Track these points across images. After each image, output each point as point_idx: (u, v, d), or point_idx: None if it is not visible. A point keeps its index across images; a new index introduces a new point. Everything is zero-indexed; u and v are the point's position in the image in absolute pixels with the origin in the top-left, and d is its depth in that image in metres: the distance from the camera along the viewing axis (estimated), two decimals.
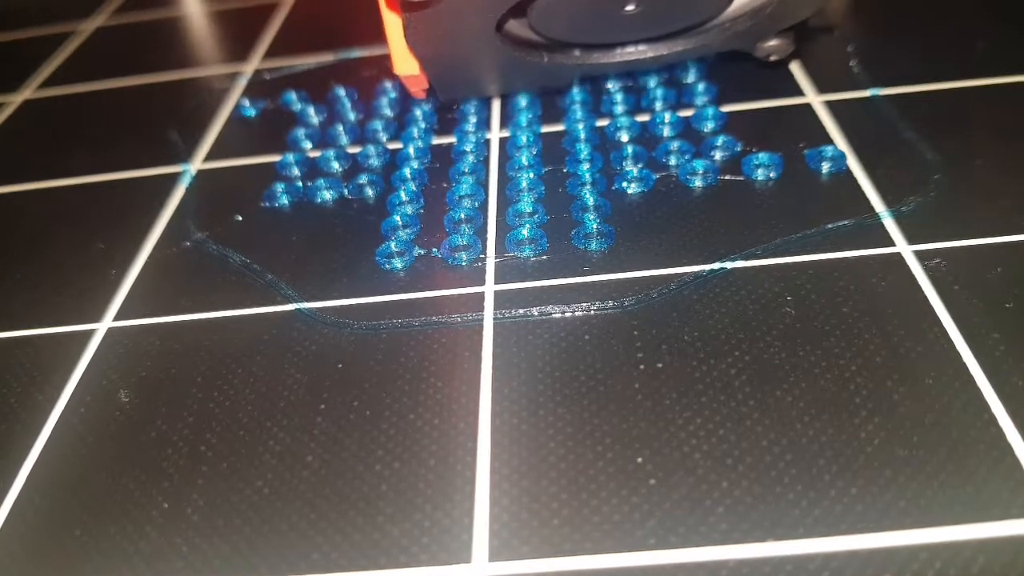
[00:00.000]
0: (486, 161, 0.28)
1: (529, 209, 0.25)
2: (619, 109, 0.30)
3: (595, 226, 0.24)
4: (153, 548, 0.18)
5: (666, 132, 0.28)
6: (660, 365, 0.20)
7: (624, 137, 0.28)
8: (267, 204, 0.28)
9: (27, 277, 0.26)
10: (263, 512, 0.18)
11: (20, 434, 0.21)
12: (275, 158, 0.30)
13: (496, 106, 0.31)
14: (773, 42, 0.28)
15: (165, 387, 0.22)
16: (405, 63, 0.28)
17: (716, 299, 0.22)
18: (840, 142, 0.27)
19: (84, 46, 0.42)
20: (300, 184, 0.28)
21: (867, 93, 0.29)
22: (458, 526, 0.17)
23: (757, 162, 0.26)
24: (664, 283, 0.22)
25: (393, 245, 0.25)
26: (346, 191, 0.28)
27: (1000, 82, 0.29)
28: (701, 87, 0.30)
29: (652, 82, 0.31)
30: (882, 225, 0.23)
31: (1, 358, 0.23)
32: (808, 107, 0.29)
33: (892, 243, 0.23)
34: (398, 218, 0.26)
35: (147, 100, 0.36)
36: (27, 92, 0.38)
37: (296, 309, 0.23)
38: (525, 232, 0.24)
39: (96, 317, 0.24)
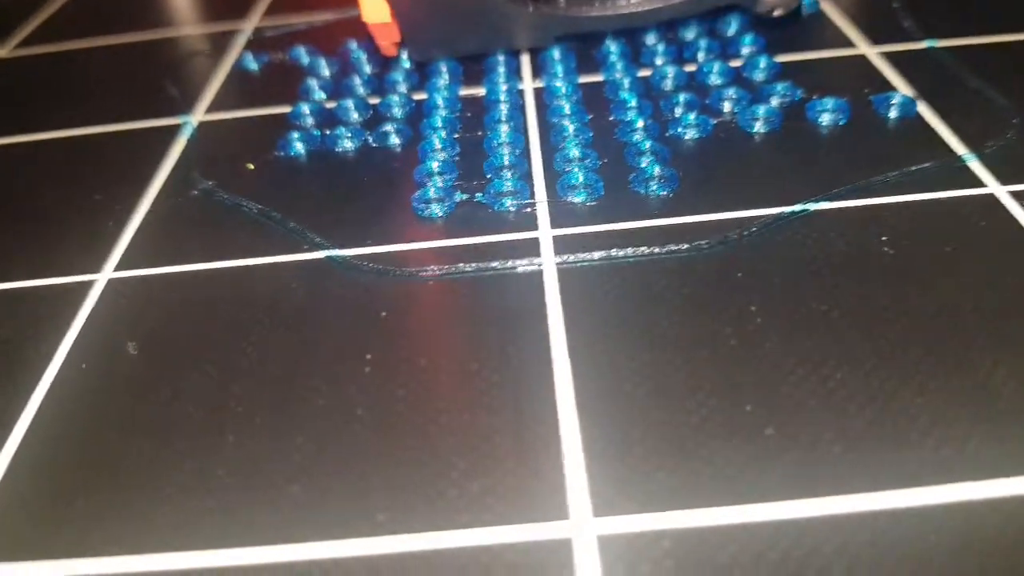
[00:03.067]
0: (522, 110, 0.26)
1: (579, 154, 0.23)
2: (660, 60, 0.27)
3: (657, 170, 0.22)
4: (178, 512, 0.15)
5: (714, 81, 0.26)
6: (753, 308, 0.18)
7: (670, 86, 0.26)
8: (282, 153, 0.25)
9: (16, 230, 0.23)
10: (310, 470, 0.16)
11: (12, 394, 0.18)
12: (284, 109, 0.27)
13: (525, 59, 0.29)
14: None
15: (180, 340, 0.19)
16: (374, 8, 0.26)
17: (803, 241, 0.20)
18: (905, 90, 0.25)
19: (68, 5, 0.39)
20: (318, 133, 0.25)
21: (923, 45, 0.27)
22: (548, 481, 0.15)
23: (822, 108, 0.24)
24: (738, 226, 0.20)
25: (432, 191, 0.22)
26: (370, 139, 0.25)
27: None
28: (748, 38, 0.28)
29: (691, 34, 0.29)
30: (967, 167, 0.22)
31: None
32: (863, 58, 0.27)
33: (983, 184, 0.21)
34: (434, 164, 0.23)
35: (139, 57, 0.33)
36: (3, 51, 0.35)
37: (327, 257, 0.21)
38: (580, 177, 0.22)
39: (95, 268, 0.21)
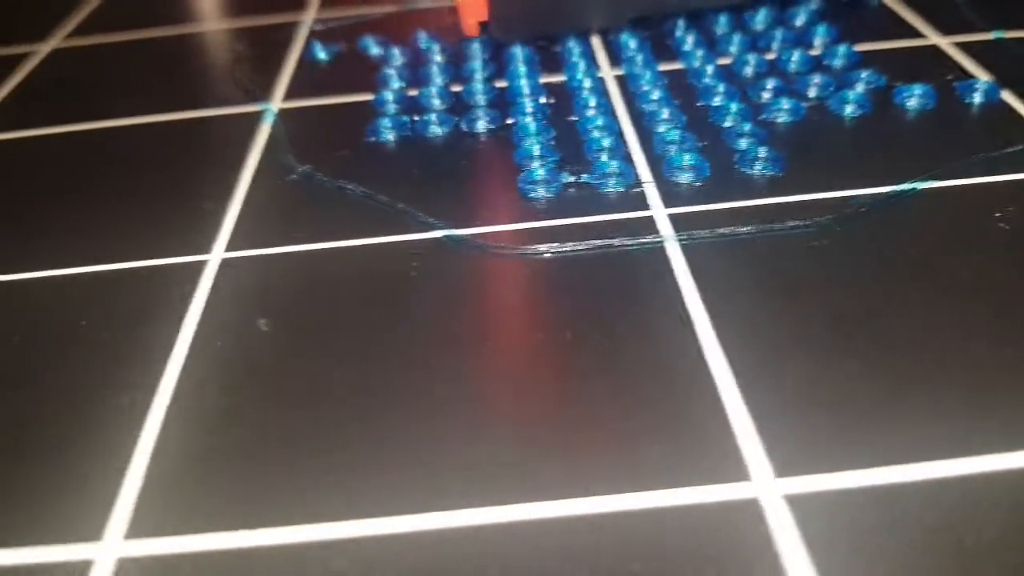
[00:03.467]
0: (606, 95, 0.26)
1: (678, 138, 0.23)
2: (735, 48, 0.28)
3: (762, 151, 0.22)
4: (346, 484, 0.15)
5: (795, 68, 0.27)
6: (881, 281, 0.18)
7: (751, 73, 0.27)
8: (372, 139, 0.25)
9: (116, 212, 0.23)
10: (479, 437, 0.16)
11: (147, 372, 0.18)
12: (363, 97, 0.28)
13: (597, 46, 0.29)
14: None
15: (311, 317, 0.19)
16: None
17: (918, 217, 0.20)
18: (983, 77, 0.25)
19: None
20: (407, 119, 0.26)
21: (991, 35, 0.28)
22: (721, 445, 0.15)
23: (909, 93, 0.24)
24: (849, 205, 0.20)
25: (538, 172, 0.22)
26: (463, 124, 0.25)
27: None
28: (822, 28, 0.28)
29: (763, 24, 0.29)
30: None
31: (105, 292, 0.20)
32: (936, 48, 0.28)
33: None
34: (534, 148, 0.23)
35: (198, 47, 0.33)
36: (55, 41, 0.34)
37: (445, 236, 0.21)
38: (686, 158, 0.22)
39: (204, 249, 0.21)
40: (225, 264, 0.21)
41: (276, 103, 0.28)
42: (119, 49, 0.33)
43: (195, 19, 0.35)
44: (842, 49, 0.27)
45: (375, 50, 0.31)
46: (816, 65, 0.27)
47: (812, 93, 0.25)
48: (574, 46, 0.29)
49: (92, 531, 0.15)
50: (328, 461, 0.15)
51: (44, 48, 0.34)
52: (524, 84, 0.27)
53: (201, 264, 0.21)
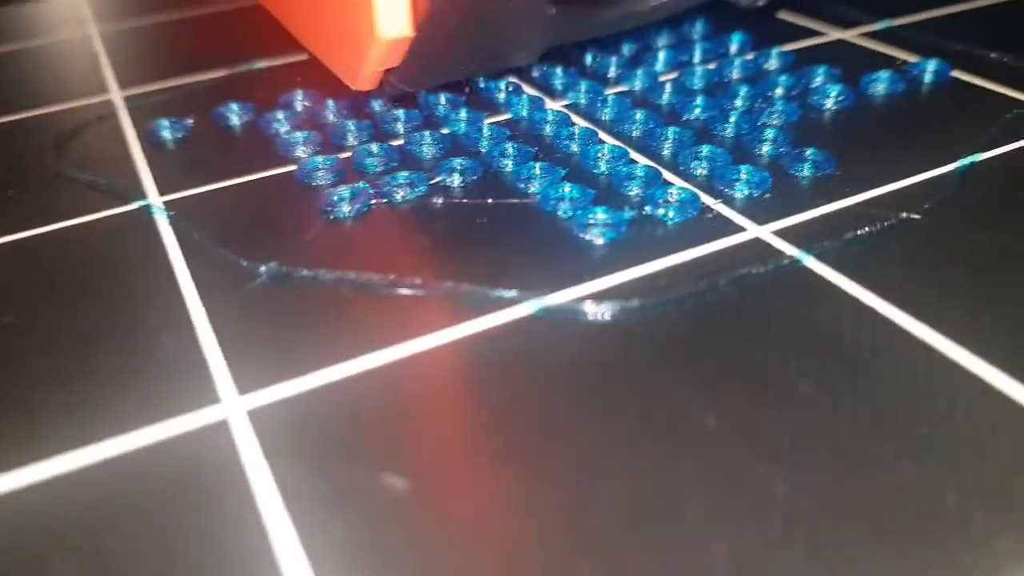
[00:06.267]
0: (575, 126, 0.22)
1: (707, 152, 0.20)
2: (662, 67, 0.26)
3: (809, 152, 0.20)
4: None
5: (737, 75, 0.25)
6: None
7: (699, 85, 0.25)
8: (332, 216, 0.19)
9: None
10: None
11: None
12: (271, 172, 0.21)
13: (511, 83, 0.25)
14: None
15: (547, 408, 0.13)
16: (395, 19, 0.20)
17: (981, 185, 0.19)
18: (912, 60, 0.26)
19: None
20: (365, 186, 0.20)
21: (878, 26, 0.29)
22: None
23: (877, 80, 0.24)
24: (920, 191, 0.19)
25: (600, 214, 0.18)
26: (443, 180, 0.20)
27: None
28: (737, 36, 0.27)
29: (671, 40, 0.28)
30: None
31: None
32: (843, 41, 0.28)
33: None
34: (566, 188, 0.19)
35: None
36: None
37: (538, 310, 0.16)
38: (743, 173, 0.19)
39: (209, 399, 0.14)
40: (253, 416, 0.14)
41: (154, 198, 0.21)
42: None
43: None
44: (775, 51, 0.26)
45: (236, 119, 0.24)
46: (758, 70, 0.25)
47: (779, 92, 0.24)
48: (495, 85, 0.25)
49: None
50: None
51: None
52: (482, 127, 0.22)
53: (220, 424, 0.14)
